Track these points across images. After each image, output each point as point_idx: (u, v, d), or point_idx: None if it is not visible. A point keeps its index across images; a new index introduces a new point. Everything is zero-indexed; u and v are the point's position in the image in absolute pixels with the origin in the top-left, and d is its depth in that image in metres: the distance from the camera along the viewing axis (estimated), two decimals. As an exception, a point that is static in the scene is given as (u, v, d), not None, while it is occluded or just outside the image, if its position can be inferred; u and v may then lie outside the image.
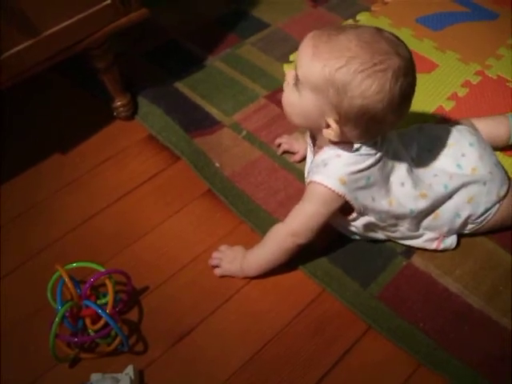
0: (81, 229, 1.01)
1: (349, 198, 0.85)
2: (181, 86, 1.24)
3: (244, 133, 1.15)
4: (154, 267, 0.96)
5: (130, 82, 1.20)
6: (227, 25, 1.39)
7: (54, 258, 0.94)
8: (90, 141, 1.16)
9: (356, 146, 0.84)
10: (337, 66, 0.77)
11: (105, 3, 0.99)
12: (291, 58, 1.29)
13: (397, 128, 0.90)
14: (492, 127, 1.03)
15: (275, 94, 1.20)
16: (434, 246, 0.94)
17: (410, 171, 0.89)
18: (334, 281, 0.92)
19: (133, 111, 1.19)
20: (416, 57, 0.81)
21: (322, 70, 0.78)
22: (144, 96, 1.20)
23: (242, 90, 1.23)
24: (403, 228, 0.92)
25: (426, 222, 0.92)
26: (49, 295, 0.86)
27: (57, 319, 0.79)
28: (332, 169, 0.85)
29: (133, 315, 0.90)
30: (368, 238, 0.96)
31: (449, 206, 0.91)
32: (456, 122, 1.03)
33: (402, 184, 0.89)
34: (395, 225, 0.92)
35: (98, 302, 0.86)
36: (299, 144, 1.08)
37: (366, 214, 0.89)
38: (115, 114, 1.18)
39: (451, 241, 0.94)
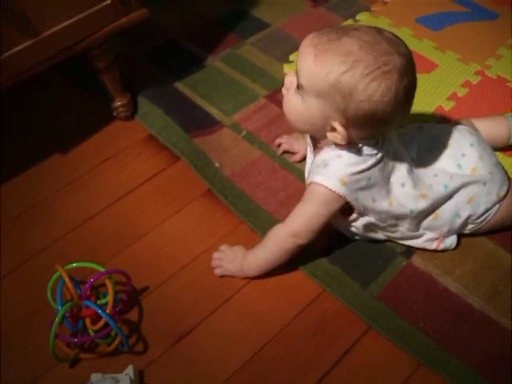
0: (81, 229, 1.01)
1: (349, 198, 0.85)
2: (181, 86, 1.24)
3: (244, 133, 1.15)
4: (154, 267, 0.96)
5: (130, 82, 1.20)
6: (227, 25, 1.39)
7: (54, 258, 0.94)
8: (89, 141, 1.16)
9: (357, 146, 0.84)
10: (341, 71, 0.76)
11: (105, 3, 0.99)
12: (291, 57, 1.29)
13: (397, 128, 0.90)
14: (492, 127, 1.03)
15: (275, 94, 1.20)
16: (434, 246, 0.94)
17: (410, 171, 0.89)
18: (334, 281, 0.92)
19: (133, 111, 1.18)
20: (416, 57, 0.81)
21: (326, 76, 0.76)
22: (144, 96, 1.20)
23: (242, 90, 1.23)
24: (403, 228, 0.92)
25: (426, 222, 0.92)
26: (49, 295, 0.86)
27: (57, 319, 0.79)
28: (333, 169, 0.84)
29: (133, 315, 0.90)
30: (368, 238, 0.96)
31: (449, 206, 0.91)
32: (456, 122, 1.02)
33: (403, 184, 0.89)
34: (395, 225, 0.92)
35: (98, 302, 0.86)
36: (299, 144, 1.08)
37: (366, 215, 0.89)
38: (115, 114, 1.18)
39: (451, 241, 0.94)
